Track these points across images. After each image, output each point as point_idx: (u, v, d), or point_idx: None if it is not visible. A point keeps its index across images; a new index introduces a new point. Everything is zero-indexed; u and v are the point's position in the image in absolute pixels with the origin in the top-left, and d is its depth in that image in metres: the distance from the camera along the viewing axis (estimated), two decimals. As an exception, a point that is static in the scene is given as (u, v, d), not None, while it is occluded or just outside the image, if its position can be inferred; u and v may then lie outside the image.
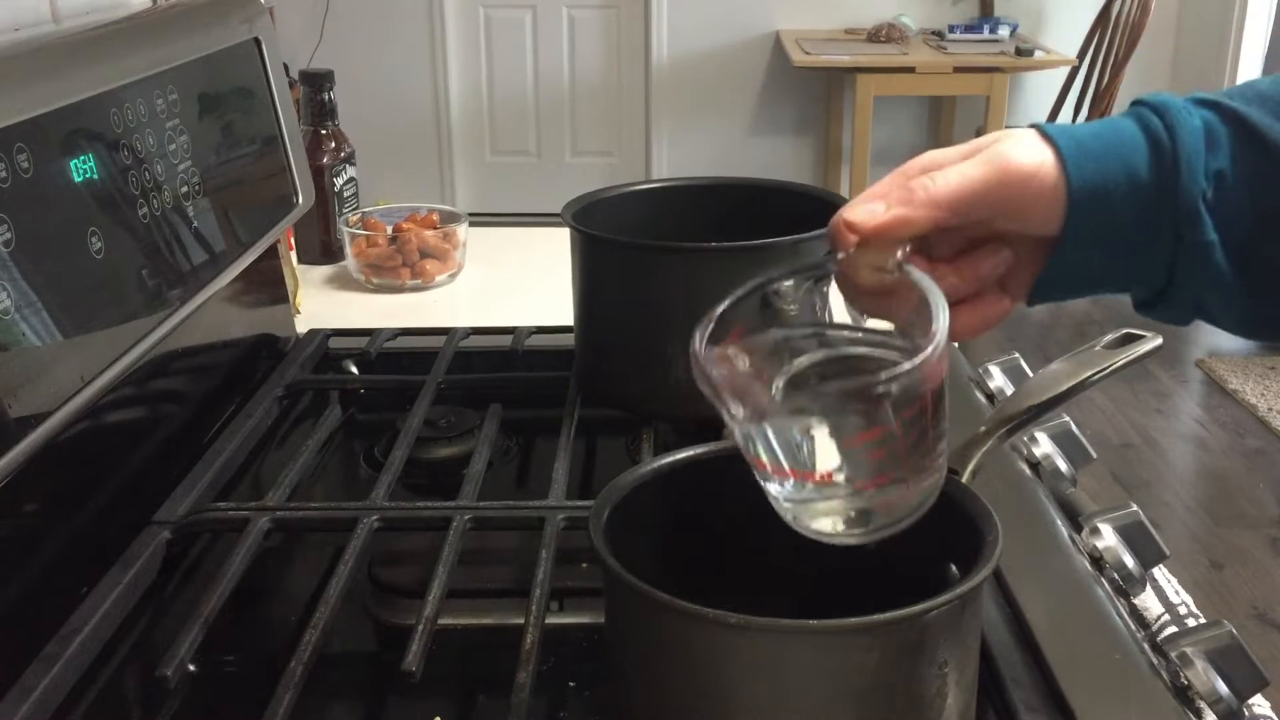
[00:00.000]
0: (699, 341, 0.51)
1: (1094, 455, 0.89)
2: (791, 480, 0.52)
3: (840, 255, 0.54)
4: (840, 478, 0.51)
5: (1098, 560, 0.74)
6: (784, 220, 0.86)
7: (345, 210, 1.42)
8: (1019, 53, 4.16)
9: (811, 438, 0.50)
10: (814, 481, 0.52)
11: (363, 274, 1.33)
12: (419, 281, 1.32)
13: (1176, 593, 0.75)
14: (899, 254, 0.53)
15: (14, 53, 0.68)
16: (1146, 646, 0.65)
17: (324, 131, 1.39)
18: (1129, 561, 0.74)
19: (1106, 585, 0.71)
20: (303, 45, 4.56)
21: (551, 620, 0.68)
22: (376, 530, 0.75)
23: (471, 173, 5.04)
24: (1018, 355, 1.03)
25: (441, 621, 0.66)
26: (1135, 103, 0.55)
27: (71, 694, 0.64)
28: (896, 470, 0.50)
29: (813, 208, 0.89)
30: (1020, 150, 0.53)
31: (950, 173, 0.53)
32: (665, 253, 0.85)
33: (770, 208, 0.94)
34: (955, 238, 0.56)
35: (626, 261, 0.86)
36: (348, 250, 1.34)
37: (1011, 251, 0.56)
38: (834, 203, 0.89)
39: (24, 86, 0.66)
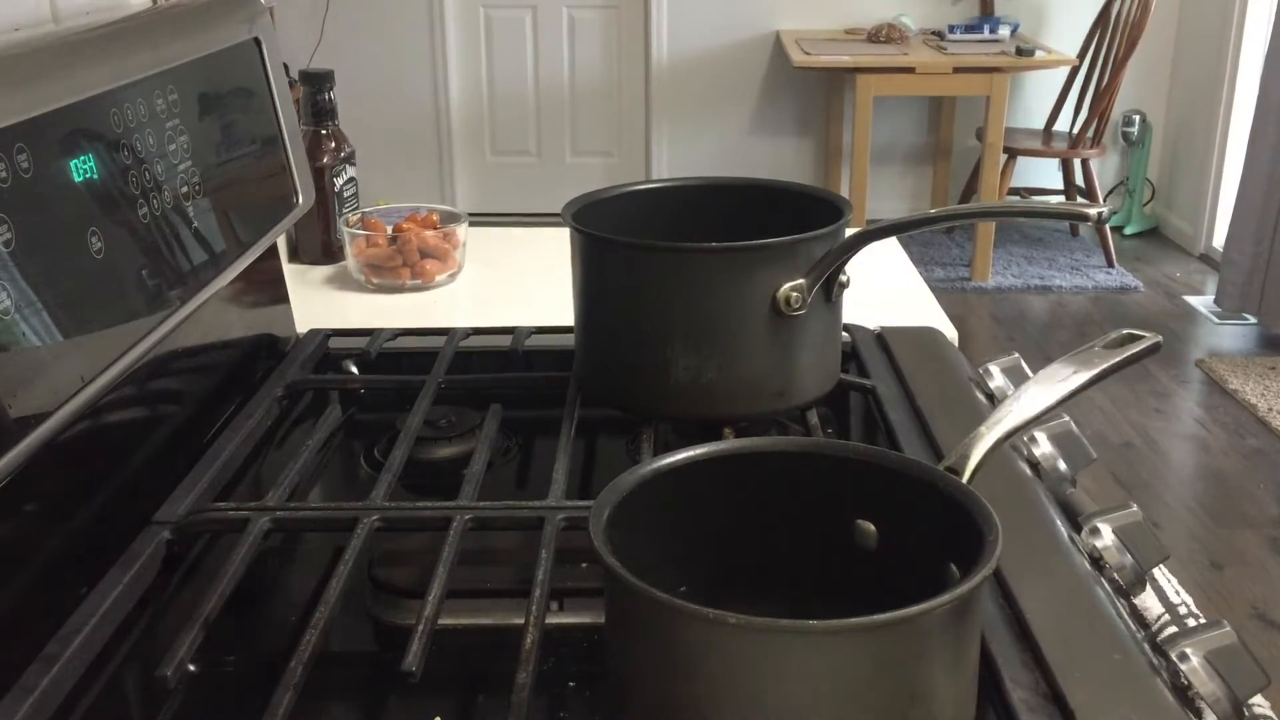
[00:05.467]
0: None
1: (1094, 455, 0.89)
2: None
3: None
4: None
5: (1098, 560, 0.74)
6: (785, 220, 0.86)
7: (345, 210, 1.42)
8: (1019, 53, 4.17)
9: None
10: None
11: (363, 274, 1.33)
12: (419, 281, 1.32)
13: (1176, 593, 0.75)
14: None
15: (14, 53, 0.68)
16: (1146, 646, 0.65)
17: (324, 131, 1.40)
18: (1129, 561, 0.74)
19: (1106, 585, 0.71)
20: (303, 45, 4.56)
21: (551, 620, 0.68)
22: (376, 530, 0.75)
23: (471, 173, 5.04)
24: (1018, 355, 1.03)
25: (441, 621, 0.66)
26: None
27: (71, 694, 0.64)
28: None
29: (814, 208, 0.89)
30: None
31: None
32: (667, 253, 0.85)
33: (771, 208, 0.94)
34: None
35: (628, 262, 0.86)
36: (348, 250, 1.34)
37: None
38: (836, 203, 0.89)
39: (24, 86, 0.66)
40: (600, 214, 0.90)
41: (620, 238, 0.87)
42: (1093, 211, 0.77)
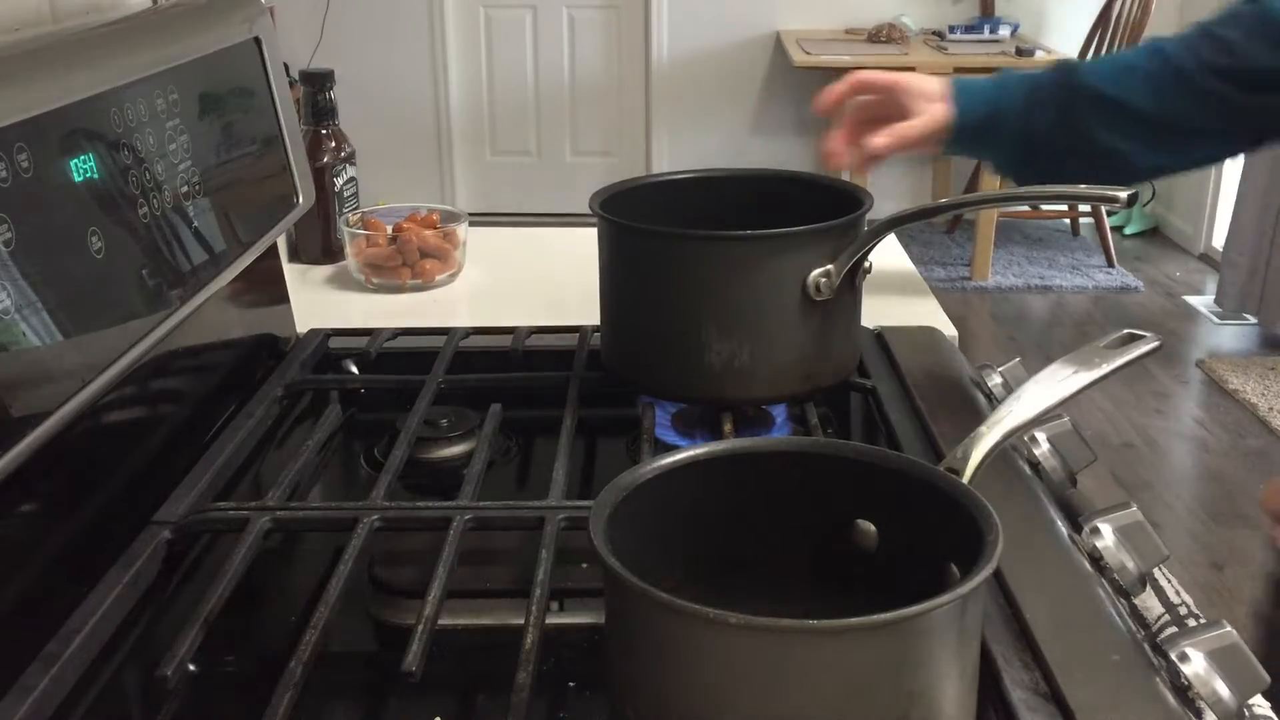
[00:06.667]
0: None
1: (1094, 455, 0.89)
2: None
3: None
4: None
5: (1098, 560, 0.74)
6: (804, 210, 0.87)
7: (345, 210, 1.42)
8: (1019, 53, 4.17)
9: None
10: None
11: (363, 274, 1.33)
12: (419, 281, 1.32)
13: (1177, 593, 0.75)
14: None
15: (14, 53, 0.68)
16: (1146, 646, 0.65)
17: (324, 131, 1.40)
18: (1129, 561, 0.74)
19: (1106, 585, 0.71)
20: (303, 45, 4.56)
21: (551, 620, 0.68)
22: (376, 530, 0.75)
23: (471, 173, 5.04)
24: (1018, 358, 1.03)
25: (441, 621, 0.66)
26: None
27: (71, 694, 0.64)
28: None
29: (832, 198, 0.91)
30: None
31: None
32: (703, 241, 0.86)
33: (790, 198, 0.95)
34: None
35: (664, 250, 0.87)
36: (348, 250, 1.34)
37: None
38: (855, 193, 0.90)
39: (24, 86, 0.66)
40: (625, 204, 0.92)
41: (657, 227, 0.88)
42: (1123, 194, 0.79)
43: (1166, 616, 0.71)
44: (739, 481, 0.62)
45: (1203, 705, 0.62)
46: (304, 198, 1.04)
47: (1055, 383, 0.66)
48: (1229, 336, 3.89)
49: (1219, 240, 4.43)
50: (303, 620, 0.65)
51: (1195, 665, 0.63)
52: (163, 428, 0.84)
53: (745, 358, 0.86)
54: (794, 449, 0.64)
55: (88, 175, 0.70)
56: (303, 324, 1.13)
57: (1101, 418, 3.26)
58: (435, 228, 1.36)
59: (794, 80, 4.80)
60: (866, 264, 0.88)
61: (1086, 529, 0.76)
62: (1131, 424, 3.25)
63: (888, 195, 4.83)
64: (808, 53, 4.23)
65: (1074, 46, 4.50)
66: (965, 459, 0.61)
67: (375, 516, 0.75)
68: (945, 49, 4.29)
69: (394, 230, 1.34)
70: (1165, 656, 0.64)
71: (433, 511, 0.77)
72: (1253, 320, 3.91)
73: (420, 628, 0.63)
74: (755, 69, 4.84)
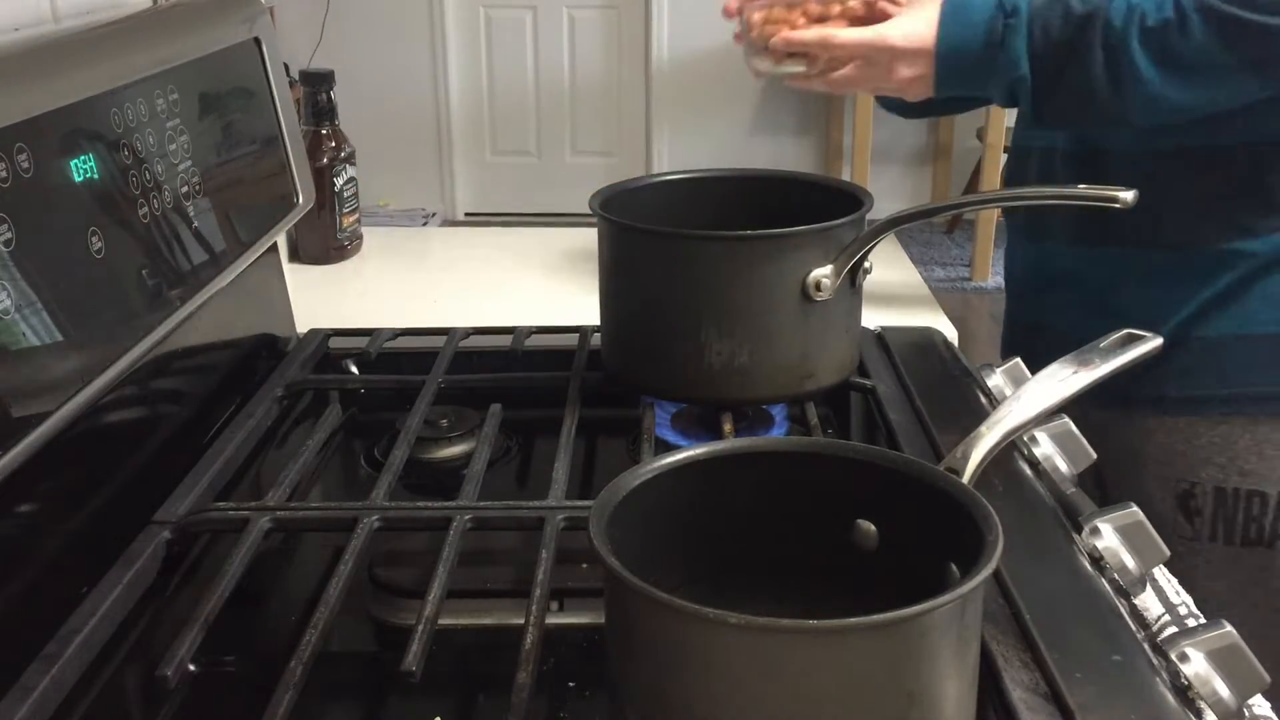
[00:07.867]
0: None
1: (1094, 455, 0.89)
2: None
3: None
4: None
5: (1098, 560, 0.74)
6: (803, 211, 0.87)
7: (345, 210, 1.42)
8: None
9: None
10: None
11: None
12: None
13: (1177, 593, 0.75)
14: None
15: (14, 53, 0.69)
16: (1146, 646, 0.65)
17: (324, 131, 1.40)
18: (1129, 561, 0.74)
19: (1106, 585, 0.71)
20: (303, 45, 4.56)
21: (551, 620, 0.68)
22: (376, 530, 0.75)
23: (471, 173, 5.04)
24: (1018, 358, 1.03)
25: (441, 621, 0.66)
26: None
27: (71, 694, 0.64)
28: None
29: (831, 198, 0.91)
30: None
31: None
32: (703, 241, 0.86)
33: (789, 199, 0.95)
34: None
35: (663, 251, 0.87)
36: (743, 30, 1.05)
37: None
38: (855, 193, 0.90)
39: (24, 86, 0.66)
40: (625, 205, 0.92)
41: (657, 227, 0.88)
42: (1124, 195, 0.78)
43: (1166, 616, 0.71)
44: (739, 481, 0.62)
45: (1203, 705, 0.62)
46: (304, 198, 1.04)
47: (1055, 383, 0.66)
48: (1229, 336, 3.88)
49: (1219, 240, 4.42)
50: (303, 620, 0.65)
51: (1195, 665, 0.63)
52: (163, 428, 0.84)
53: (745, 358, 0.86)
54: (794, 449, 0.64)
55: (88, 175, 0.70)
56: (303, 324, 1.13)
57: (1101, 418, 3.26)
58: None
59: (794, 80, 4.79)
60: (866, 264, 0.88)
61: (1086, 529, 0.76)
62: (1131, 424, 3.24)
63: (888, 195, 4.82)
64: (808, 53, 4.22)
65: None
66: (965, 459, 0.61)
67: (375, 516, 0.75)
68: (945, 49, 4.28)
69: None
70: (1165, 656, 0.64)
71: (433, 511, 0.77)
72: (1253, 320, 3.90)
73: (420, 628, 0.63)
74: (755, 69, 4.84)
